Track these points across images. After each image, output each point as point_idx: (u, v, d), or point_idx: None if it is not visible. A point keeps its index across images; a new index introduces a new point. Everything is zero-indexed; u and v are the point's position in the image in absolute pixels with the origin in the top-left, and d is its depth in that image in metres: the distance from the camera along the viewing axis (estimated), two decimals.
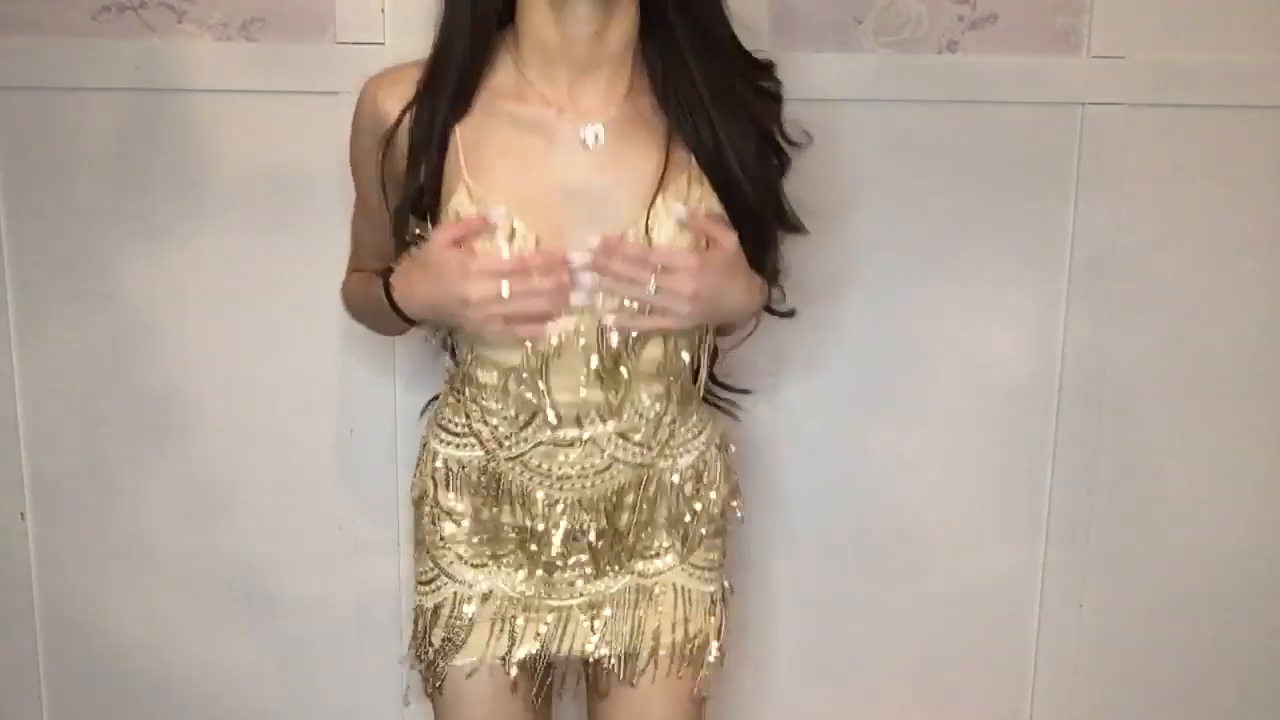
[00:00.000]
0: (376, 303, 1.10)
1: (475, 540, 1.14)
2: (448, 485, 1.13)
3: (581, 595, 1.14)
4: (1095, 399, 1.63)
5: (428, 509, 1.15)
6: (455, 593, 1.14)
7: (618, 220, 1.01)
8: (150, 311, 1.53)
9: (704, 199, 1.03)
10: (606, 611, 1.14)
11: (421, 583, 1.18)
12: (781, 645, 1.69)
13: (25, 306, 1.52)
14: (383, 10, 1.46)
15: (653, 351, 1.07)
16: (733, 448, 1.26)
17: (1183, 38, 1.54)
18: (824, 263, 1.56)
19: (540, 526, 1.10)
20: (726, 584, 1.24)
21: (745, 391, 1.29)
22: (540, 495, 1.09)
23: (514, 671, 1.13)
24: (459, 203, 1.01)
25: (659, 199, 1.00)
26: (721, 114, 1.02)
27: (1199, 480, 1.68)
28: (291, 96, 1.47)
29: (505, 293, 0.98)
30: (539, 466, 1.08)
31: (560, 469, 1.07)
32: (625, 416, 1.07)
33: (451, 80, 0.99)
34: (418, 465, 1.19)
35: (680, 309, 1.01)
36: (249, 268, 1.52)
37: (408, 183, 1.03)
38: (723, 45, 1.03)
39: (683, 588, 1.16)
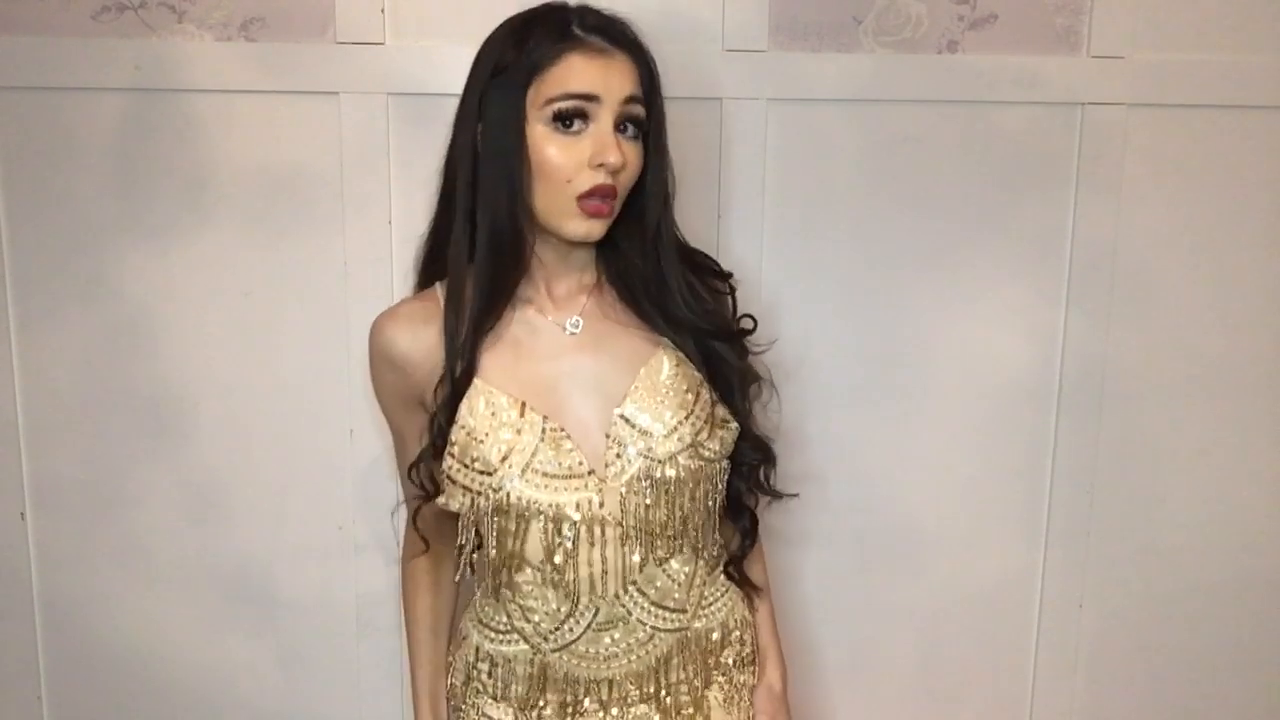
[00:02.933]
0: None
1: None
2: (493, 688, 1.19)
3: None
4: (1095, 399, 1.63)
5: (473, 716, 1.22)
6: None
7: (610, 392, 1.13)
8: (150, 311, 1.53)
9: (680, 365, 1.15)
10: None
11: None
12: (781, 645, 1.69)
13: (25, 306, 1.53)
14: (383, 10, 1.46)
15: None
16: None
17: (1182, 38, 1.54)
18: (823, 262, 1.57)
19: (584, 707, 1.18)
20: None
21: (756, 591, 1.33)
22: (587, 700, 1.17)
23: None
24: (471, 396, 1.11)
25: (642, 371, 1.14)
26: (671, 290, 1.17)
27: (1198, 480, 1.68)
28: (291, 96, 1.47)
29: None
30: (586, 652, 1.14)
31: (606, 650, 1.14)
32: (659, 584, 1.14)
33: (473, 324, 1.13)
34: (458, 648, 1.25)
35: None
36: (249, 267, 1.52)
37: (438, 398, 1.13)
38: (667, 248, 1.17)
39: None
